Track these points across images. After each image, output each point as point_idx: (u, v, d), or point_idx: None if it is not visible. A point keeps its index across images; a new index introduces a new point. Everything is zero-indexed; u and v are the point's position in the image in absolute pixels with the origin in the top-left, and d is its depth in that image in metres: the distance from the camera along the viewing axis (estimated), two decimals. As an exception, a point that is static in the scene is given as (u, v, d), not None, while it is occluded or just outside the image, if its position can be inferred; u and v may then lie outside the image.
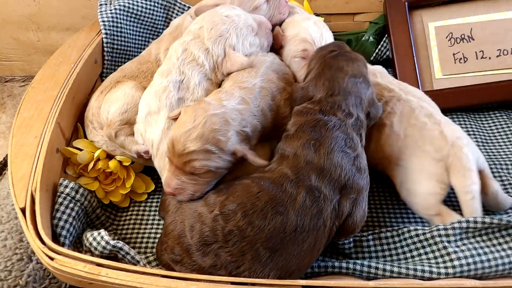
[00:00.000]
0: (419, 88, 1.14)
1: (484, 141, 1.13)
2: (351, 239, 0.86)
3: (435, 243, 0.81)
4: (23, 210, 0.76)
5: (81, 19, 1.40)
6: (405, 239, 0.86)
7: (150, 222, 0.97)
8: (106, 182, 0.98)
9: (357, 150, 0.80)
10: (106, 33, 1.16)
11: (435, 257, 0.80)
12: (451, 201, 0.93)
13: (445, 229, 0.81)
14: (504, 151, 1.09)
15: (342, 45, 0.93)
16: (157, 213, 0.98)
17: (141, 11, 1.23)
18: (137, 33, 1.24)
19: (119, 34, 1.18)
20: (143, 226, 0.96)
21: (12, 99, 1.47)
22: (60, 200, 0.83)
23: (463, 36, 1.23)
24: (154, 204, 1.01)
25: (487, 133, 1.16)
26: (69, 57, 1.07)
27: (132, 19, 1.22)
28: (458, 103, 1.19)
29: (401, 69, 1.23)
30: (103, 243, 0.78)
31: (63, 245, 0.79)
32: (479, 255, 0.77)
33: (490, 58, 1.21)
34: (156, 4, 1.25)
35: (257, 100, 0.87)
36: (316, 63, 0.89)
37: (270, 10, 1.08)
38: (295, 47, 1.00)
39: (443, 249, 0.79)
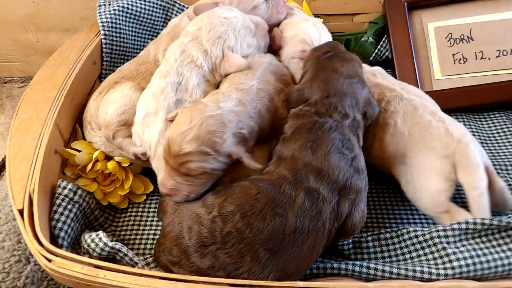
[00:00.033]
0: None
1: (483, 141, 1.13)
2: (351, 240, 0.86)
3: (435, 244, 0.81)
4: (21, 212, 0.75)
5: (80, 20, 1.40)
6: (404, 240, 0.85)
7: (148, 223, 0.97)
8: (105, 183, 0.97)
9: (355, 151, 0.79)
10: (105, 34, 1.15)
11: (435, 258, 0.80)
12: (455, 199, 0.93)
13: (445, 230, 0.81)
14: (503, 152, 1.09)
15: (337, 45, 0.93)
16: (155, 214, 0.98)
17: (140, 12, 1.22)
18: (136, 34, 1.24)
19: (118, 35, 1.18)
20: (141, 228, 0.96)
21: (11, 100, 1.47)
22: (58, 201, 0.83)
23: (462, 37, 1.23)
24: (152, 205, 1.01)
25: (487, 133, 1.16)
26: (67, 58, 1.07)
27: (131, 20, 1.21)
28: (458, 104, 1.19)
29: (400, 69, 1.23)
30: (101, 244, 0.78)
31: (61, 246, 0.79)
32: (478, 256, 0.77)
33: (489, 58, 1.21)
34: (155, 5, 1.25)
35: (254, 102, 0.87)
36: (311, 65, 0.89)
37: (269, 10, 1.08)
38: (294, 48, 1.00)
39: (442, 250, 0.79)
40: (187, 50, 0.93)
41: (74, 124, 1.02)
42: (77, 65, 1.05)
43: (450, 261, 0.77)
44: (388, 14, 1.28)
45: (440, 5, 1.27)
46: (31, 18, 1.40)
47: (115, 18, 1.17)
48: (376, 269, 0.78)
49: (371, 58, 1.35)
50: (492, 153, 1.09)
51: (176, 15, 1.28)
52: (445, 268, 0.77)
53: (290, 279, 0.72)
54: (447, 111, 0.98)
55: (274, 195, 0.73)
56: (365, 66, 1.03)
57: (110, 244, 0.78)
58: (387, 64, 1.33)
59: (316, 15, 1.36)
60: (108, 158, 0.99)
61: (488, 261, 0.76)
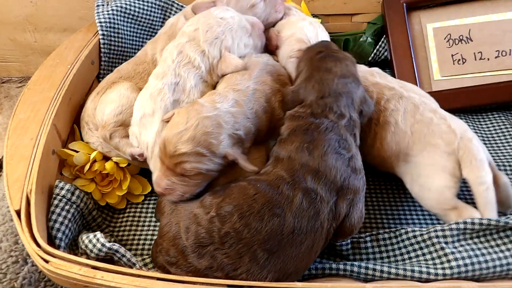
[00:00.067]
0: (417, 89, 1.14)
1: (482, 142, 1.12)
2: (349, 241, 0.86)
3: (433, 244, 0.81)
4: (18, 212, 0.75)
5: (79, 20, 1.40)
6: (402, 240, 0.85)
7: (146, 224, 0.97)
8: (103, 184, 0.97)
9: (352, 151, 0.79)
10: (103, 34, 1.15)
11: (433, 258, 0.80)
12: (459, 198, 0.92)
13: (443, 230, 0.80)
14: (502, 152, 1.09)
15: (329, 45, 0.93)
16: (153, 215, 0.98)
17: (139, 12, 1.22)
18: (134, 34, 1.23)
19: (116, 35, 1.18)
20: (139, 228, 0.96)
21: (9, 100, 1.46)
22: (55, 202, 0.82)
23: (461, 37, 1.23)
24: (150, 206, 1.00)
25: (486, 134, 1.16)
26: (65, 58, 1.07)
27: (129, 20, 1.21)
28: (457, 105, 1.19)
29: (399, 70, 1.23)
30: (98, 245, 0.78)
31: (58, 247, 0.78)
32: (476, 256, 0.77)
33: (488, 59, 1.21)
34: (154, 5, 1.25)
35: (250, 103, 0.87)
36: (304, 66, 0.89)
37: (267, 8, 1.09)
38: (291, 47, 1.00)
39: (440, 250, 0.79)
40: (185, 51, 0.93)
41: (72, 125, 1.02)
42: (75, 65, 1.05)
43: (449, 261, 0.77)
44: (387, 15, 1.28)
45: (438, 6, 1.27)
46: (29, 18, 1.40)
47: (113, 18, 1.17)
48: (374, 269, 0.78)
49: (370, 59, 1.35)
50: (491, 153, 1.09)
51: (174, 15, 1.28)
52: (443, 268, 0.76)
53: (288, 279, 0.71)
54: (446, 111, 0.98)
55: (272, 195, 0.72)
56: (363, 67, 1.03)
57: (107, 245, 0.78)
58: (386, 65, 1.33)
59: (314, 15, 1.36)
60: (106, 158, 0.99)
61: (486, 261, 0.76)
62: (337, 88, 0.83)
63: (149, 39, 1.25)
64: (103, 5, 1.21)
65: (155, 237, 0.90)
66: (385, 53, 1.33)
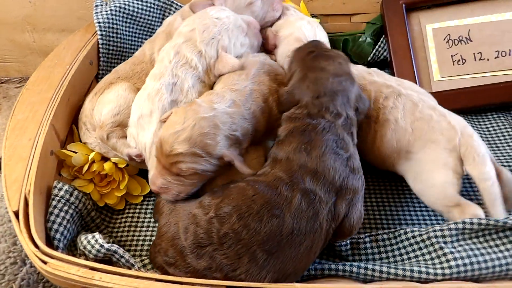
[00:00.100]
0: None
1: (482, 142, 1.13)
2: (348, 241, 0.86)
3: (432, 244, 0.81)
4: (16, 213, 0.75)
5: (77, 20, 1.39)
6: (401, 241, 0.85)
7: (145, 224, 0.96)
8: (101, 184, 0.97)
9: (349, 150, 0.79)
10: (101, 34, 1.15)
11: (432, 258, 0.80)
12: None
13: (441, 230, 0.80)
14: (501, 153, 1.09)
15: (319, 44, 0.93)
16: (152, 215, 0.97)
17: (137, 12, 1.22)
18: (133, 34, 1.23)
19: (114, 35, 1.17)
20: (138, 229, 0.95)
21: (8, 100, 1.46)
22: (54, 203, 0.82)
23: (460, 38, 1.23)
24: (149, 206, 1.00)
25: (485, 135, 1.16)
26: (64, 58, 1.07)
27: (128, 20, 1.21)
28: (457, 105, 1.19)
29: (399, 71, 1.23)
30: (97, 246, 0.78)
31: (57, 248, 0.78)
32: (475, 256, 0.77)
33: (488, 59, 1.21)
34: (152, 5, 1.25)
35: (248, 103, 0.87)
36: (297, 66, 0.89)
37: (264, 6, 1.09)
38: (289, 46, 1.00)
39: (439, 250, 0.79)
40: (181, 52, 0.93)
41: (71, 125, 1.02)
42: (74, 66, 1.05)
43: (447, 261, 0.77)
44: (386, 16, 1.28)
45: (438, 7, 1.27)
46: (27, 18, 1.40)
47: (112, 18, 1.17)
48: (373, 270, 0.78)
49: (369, 59, 1.35)
50: (490, 154, 1.09)
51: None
52: (442, 268, 0.76)
53: (287, 280, 0.71)
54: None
55: (271, 196, 0.72)
56: (360, 67, 1.03)
57: (106, 245, 0.78)
58: (385, 65, 1.33)
59: (314, 16, 1.36)
60: (104, 159, 0.98)
61: (485, 261, 0.76)
62: (332, 87, 0.83)
63: (148, 39, 1.25)
64: (101, 5, 1.21)
65: (154, 238, 0.90)
66: (385, 53, 1.33)
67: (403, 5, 1.26)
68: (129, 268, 0.79)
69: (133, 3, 1.21)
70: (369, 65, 1.24)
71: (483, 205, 0.85)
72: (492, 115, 1.21)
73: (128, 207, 1.01)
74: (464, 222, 0.80)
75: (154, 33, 1.25)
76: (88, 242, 0.79)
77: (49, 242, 0.79)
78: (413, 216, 0.96)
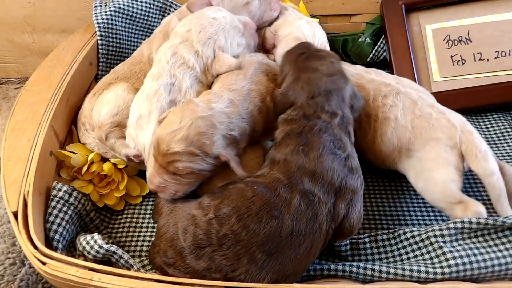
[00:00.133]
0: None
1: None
2: (348, 242, 0.86)
3: (431, 244, 0.81)
4: (15, 214, 0.75)
5: (77, 21, 1.39)
6: (401, 241, 0.85)
7: (145, 225, 0.96)
8: (101, 185, 0.97)
9: (347, 150, 0.79)
10: (101, 35, 1.15)
11: (431, 258, 0.80)
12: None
13: (441, 229, 0.81)
14: (501, 153, 1.09)
15: (309, 45, 0.93)
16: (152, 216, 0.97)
17: (137, 13, 1.22)
18: (133, 35, 1.23)
19: (114, 36, 1.17)
20: (137, 229, 0.95)
21: (7, 101, 1.46)
22: (53, 203, 0.82)
23: (460, 38, 1.23)
24: (149, 207, 1.00)
25: (485, 135, 1.16)
26: (63, 59, 1.07)
27: (128, 21, 1.21)
28: (457, 106, 1.18)
29: (399, 71, 1.23)
30: (96, 247, 0.77)
31: (56, 249, 0.78)
32: (474, 255, 0.77)
33: (488, 60, 1.20)
34: (152, 6, 1.25)
35: (246, 102, 0.87)
36: (289, 68, 0.88)
37: (262, 6, 1.09)
38: (288, 46, 1.00)
39: (438, 249, 0.79)
40: (179, 52, 0.94)
41: (70, 126, 1.02)
42: (73, 66, 1.05)
43: (447, 260, 0.77)
44: (386, 17, 1.28)
45: (437, 7, 1.26)
46: (27, 19, 1.40)
47: (111, 19, 1.17)
48: (373, 270, 0.78)
49: (369, 59, 1.35)
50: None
51: (171, 15, 1.28)
52: (441, 267, 0.76)
53: (287, 281, 0.71)
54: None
55: (270, 197, 0.72)
56: (358, 67, 1.03)
57: (105, 246, 0.78)
58: (385, 65, 1.32)
59: (313, 16, 1.36)
60: (104, 159, 0.98)
61: (484, 260, 0.76)
62: (326, 86, 0.82)
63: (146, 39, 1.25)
64: (101, 6, 1.21)
65: (153, 239, 0.90)
66: (384, 54, 1.33)
67: (403, 5, 1.26)
68: (128, 269, 0.79)
69: (132, 4, 1.21)
70: (368, 65, 1.24)
71: (486, 202, 0.85)
72: (492, 115, 1.21)
73: (127, 208, 1.00)
74: (463, 222, 0.80)
75: (153, 33, 1.26)
76: (87, 242, 0.79)
77: (48, 243, 0.79)
78: (412, 216, 0.96)
